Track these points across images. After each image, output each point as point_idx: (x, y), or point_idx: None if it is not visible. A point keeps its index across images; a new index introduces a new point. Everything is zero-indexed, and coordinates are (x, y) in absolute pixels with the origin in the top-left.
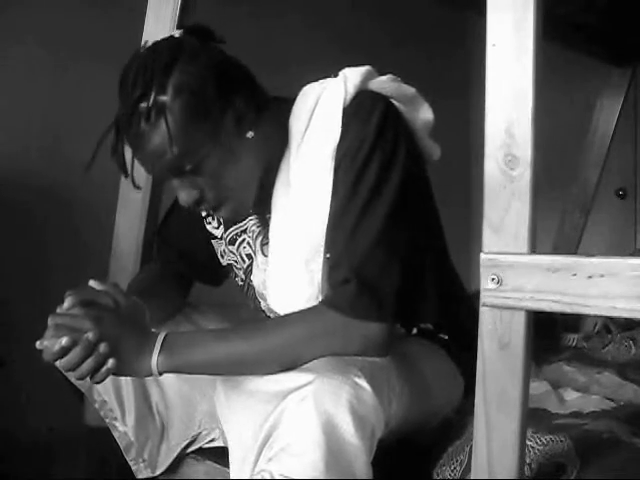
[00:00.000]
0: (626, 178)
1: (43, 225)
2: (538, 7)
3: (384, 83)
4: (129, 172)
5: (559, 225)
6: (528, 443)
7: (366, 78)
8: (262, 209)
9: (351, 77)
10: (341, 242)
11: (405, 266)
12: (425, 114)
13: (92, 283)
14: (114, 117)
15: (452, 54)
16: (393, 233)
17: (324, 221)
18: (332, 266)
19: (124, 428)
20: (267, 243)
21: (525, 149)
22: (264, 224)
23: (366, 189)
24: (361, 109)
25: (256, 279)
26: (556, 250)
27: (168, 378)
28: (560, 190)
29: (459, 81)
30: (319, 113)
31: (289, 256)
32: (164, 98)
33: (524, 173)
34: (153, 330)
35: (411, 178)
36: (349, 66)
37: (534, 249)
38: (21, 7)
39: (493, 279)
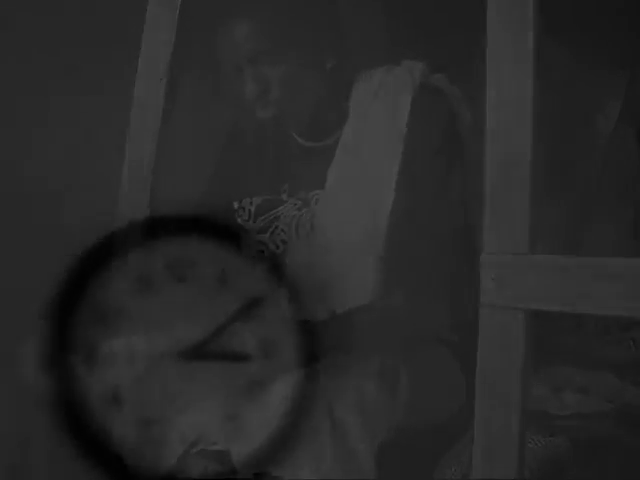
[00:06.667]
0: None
1: (41, 225)
2: (538, 7)
3: (440, 80)
4: None
5: (559, 225)
6: (528, 444)
7: (427, 72)
8: (302, 187)
9: (415, 69)
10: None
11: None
12: (467, 114)
13: None
14: None
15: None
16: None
17: (386, 214)
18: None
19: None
20: (309, 228)
21: (525, 149)
22: (306, 204)
23: (431, 187)
24: (431, 104)
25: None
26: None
27: None
28: (560, 190)
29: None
30: (384, 96)
31: (339, 245)
32: None
33: (524, 173)
34: None
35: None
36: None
37: (534, 249)
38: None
39: (493, 279)
